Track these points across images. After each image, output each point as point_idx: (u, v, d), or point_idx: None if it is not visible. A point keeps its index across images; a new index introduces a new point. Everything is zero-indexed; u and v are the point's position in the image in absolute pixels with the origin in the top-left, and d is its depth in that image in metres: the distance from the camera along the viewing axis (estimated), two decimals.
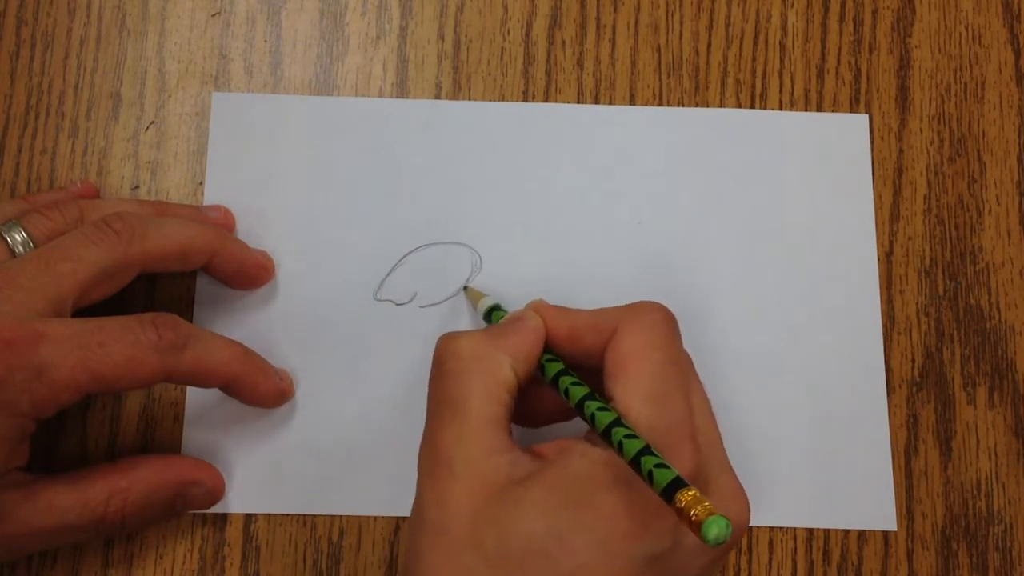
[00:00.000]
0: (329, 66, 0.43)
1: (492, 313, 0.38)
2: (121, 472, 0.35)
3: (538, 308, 0.35)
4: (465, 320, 0.41)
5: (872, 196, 0.43)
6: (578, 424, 0.32)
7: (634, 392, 0.31)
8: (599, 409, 0.31)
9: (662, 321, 0.33)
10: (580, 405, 0.31)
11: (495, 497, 0.29)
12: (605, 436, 0.30)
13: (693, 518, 0.25)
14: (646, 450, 0.28)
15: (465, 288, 0.41)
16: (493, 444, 0.30)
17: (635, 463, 0.28)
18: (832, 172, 0.43)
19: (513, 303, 0.38)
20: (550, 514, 0.29)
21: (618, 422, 0.30)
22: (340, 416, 0.40)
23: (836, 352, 0.41)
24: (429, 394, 0.33)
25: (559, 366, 0.33)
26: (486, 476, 0.30)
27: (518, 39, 0.44)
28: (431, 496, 0.30)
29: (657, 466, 0.27)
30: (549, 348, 0.34)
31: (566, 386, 0.32)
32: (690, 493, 0.26)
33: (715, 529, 0.25)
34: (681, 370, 0.32)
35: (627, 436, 0.29)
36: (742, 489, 0.32)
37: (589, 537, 0.28)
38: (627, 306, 0.33)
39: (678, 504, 0.26)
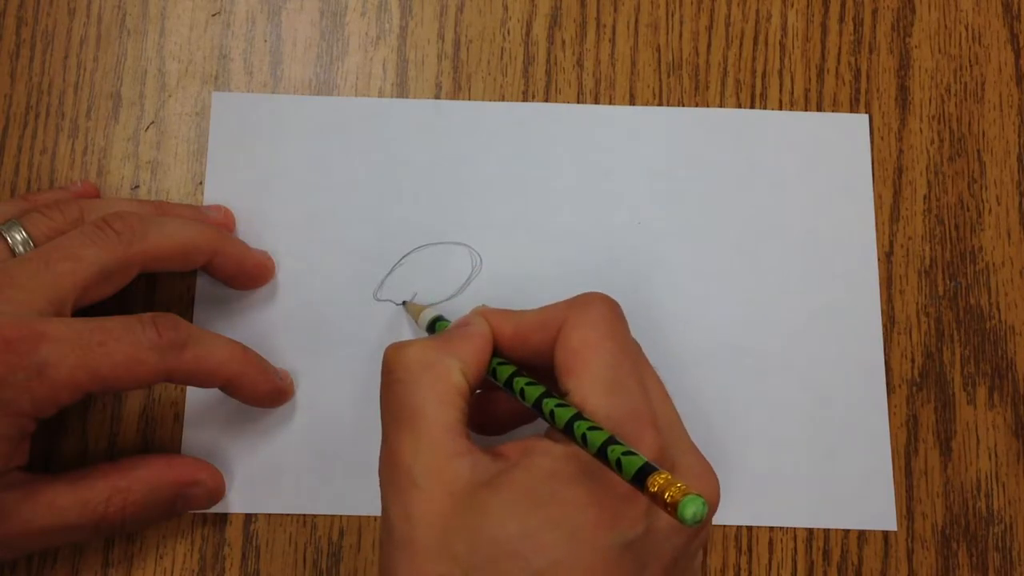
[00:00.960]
0: (329, 66, 0.43)
1: (436, 324, 0.38)
2: (121, 472, 0.35)
3: (482, 313, 0.35)
4: None
5: (872, 196, 0.43)
6: (539, 425, 0.32)
7: (589, 384, 0.31)
8: (558, 405, 0.30)
9: (608, 311, 0.33)
10: (538, 404, 0.31)
11: (461, 503, 0.29)
12: (567, 431, 0.30)
13: (668, 500, 0.25)
14: (611, 440, 0.28)
15: (404, 303, 0.40)
16: (452, 449, 0.30)
17: (601, 454, 0.28)
18: (832, 172, 0.43)
19: (513, 303, 0.37)
20: (519, 515, 0.29)
21: (578, 416, 0.30)
22: (340, 416, 0.40)
23: (836, 352, 0.41)
24: (382, 406, 0.32)
25: (511, 369, 0.33)
26: (449, 482, 0.29)
27: (518, 39, 0.44)
28: (396, 509, 0.30)
29: (624, 454, 0.27)
30: (499, 352, 0.34)
31: (520, 387, 0.32)
32: (662, 476, 0.26)
33: (692, 508, 0.25)
34: (632, 357, 0.32)
35: (590, 428, 0.29)
36: (709, 466, 0.32)
37: (560, 533, 0.28)
38: (570, 300, 0.33)
39: (651, 489, 0.26)
